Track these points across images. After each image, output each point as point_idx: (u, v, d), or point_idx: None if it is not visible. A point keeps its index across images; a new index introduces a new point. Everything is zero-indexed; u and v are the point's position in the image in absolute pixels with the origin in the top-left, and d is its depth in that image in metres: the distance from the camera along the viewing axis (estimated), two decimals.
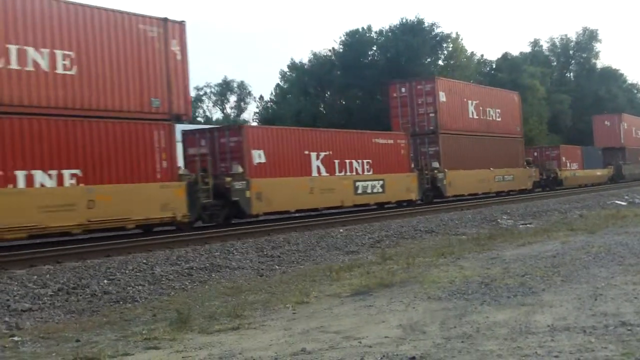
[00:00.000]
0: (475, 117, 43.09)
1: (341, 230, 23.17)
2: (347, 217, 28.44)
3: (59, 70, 19.92)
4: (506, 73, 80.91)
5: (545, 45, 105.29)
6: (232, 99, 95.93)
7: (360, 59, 76.34)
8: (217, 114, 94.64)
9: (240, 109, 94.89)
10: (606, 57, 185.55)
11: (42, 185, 19.20)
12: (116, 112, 21.38)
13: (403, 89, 40.15)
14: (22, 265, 16.38)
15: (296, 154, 28.92)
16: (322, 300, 10.91)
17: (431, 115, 38.84)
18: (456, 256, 15.39)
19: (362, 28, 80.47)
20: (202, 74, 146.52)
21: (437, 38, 79.37)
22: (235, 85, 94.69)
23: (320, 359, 7.15)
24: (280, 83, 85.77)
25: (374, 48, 79.53)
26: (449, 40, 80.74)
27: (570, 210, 30.29)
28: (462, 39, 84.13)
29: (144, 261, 16.58)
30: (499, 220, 26.23)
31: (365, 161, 32.71)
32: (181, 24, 23.73)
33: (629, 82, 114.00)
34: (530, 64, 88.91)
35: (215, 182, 25.03)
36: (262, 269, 15.89)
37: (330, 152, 30.61)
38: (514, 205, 34.06)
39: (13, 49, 18.85)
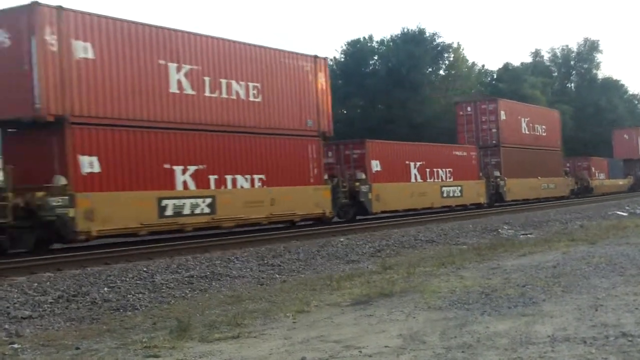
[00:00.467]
0: (527, 132, 50.51)
1: (342, 240, 23.18)
2: (349, 226, 28.52)
3: (251, 98, 26.56)
4: (507, 83, 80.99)
5: (546, 56, 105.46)
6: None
7: (361, 68, 76.47)
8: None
9: None
10: (607, 67, 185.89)
11: (242, 187, 25.93)
12: (284, 130, 28.07)
13: (469, 108, 47.77)
14: (23, 273, 16.38)
15: (401, 163, 36.15)
16: (322, 309, 10.90)
17: (494, 131, 46.39)
18: (457, 266, 15.38)
19: (364, 37, 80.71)
20: None
21: (439, 48, 79.49)
22: None
23: None
24: None
25: (375, 57, 79.67)
26: (450, 50, 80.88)
27: (571, 220, 30.26)
28: (463, 49, 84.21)
29: (145, 269, 16.58)
30: (499, 230, 26.21)
31: (447, 170, 39.91)
32: (325, 59, 31.10)
33: (630, 92, 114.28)
34: (531, 74, 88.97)
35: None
36: (263, 278, 15.88)
37: (424, 162, 37.86)
38: (515, 215, 34.10)
39: (222, 82, 25.41)
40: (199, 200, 24.04)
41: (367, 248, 21.08)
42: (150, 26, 23.40)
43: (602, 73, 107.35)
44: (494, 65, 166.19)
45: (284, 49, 28.71)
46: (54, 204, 19.92)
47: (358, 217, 33.64)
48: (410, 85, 72.93)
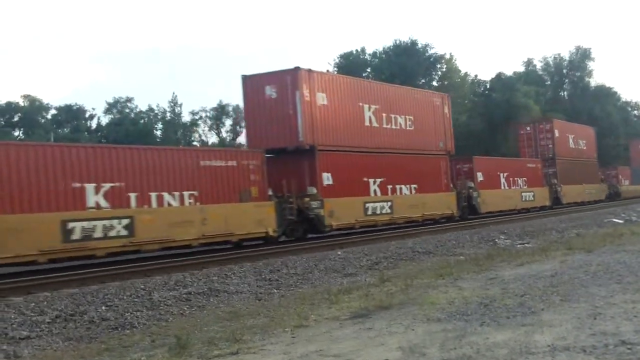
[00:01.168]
0: (573, 146, 61.33)
1: (339, 253, 23.16)
2: (348, 238, 28.54)
3: (408, 127, 36.41)
4: (500, 93, 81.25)
5: (538, 65, 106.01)
6: (228, 122, 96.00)
7: None
8: (212, 138, 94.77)
9: (235, 132, 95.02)
10: (600, 75, 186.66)
11: (405, 194, 35.62)
12: (427, 151, 37.85)
13: (528, 128, 59.39)
14: (20, 293, 16.35)
15: (496, 175, 46.72)
16: (321, 323, 10.87)
17: (550, 146, 56.87)
18: (455, 277, 15.35)
19: (356, 50, 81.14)
20: (197, 98, 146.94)
21: (431, 59, 79.90)
22: (230, 109, 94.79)
23: None
24: None
25: (368, 70, 79.92)
26: (443, 60, 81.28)
27: (567, 229, 30.29)
28: (455, 60, 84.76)
29: (142, 286, 16.55)
30: (496, 240, 26.23)
31: (523, 179, 50.07)
32: (448, 95, 43.58)
33: (623, 100, 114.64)
34: (524, 83, 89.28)
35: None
36: (261, 293, 15.86)
37: (508, 173, 47.70)
38: (511, 225, 34.12)
39: (392, 116, 35.20)
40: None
41: (365, 261, 21.06)
42: (353, 78, 37.43)
43: (594, 81, 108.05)
44: (486, 75, 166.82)
45: (422, 89, 48.37)
46: (315, 206, 29.56)
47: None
48: None
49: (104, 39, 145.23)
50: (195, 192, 24.59)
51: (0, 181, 19.67)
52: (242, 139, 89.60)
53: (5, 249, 19.15)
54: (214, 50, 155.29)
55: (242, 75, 30.62)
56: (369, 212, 32.44)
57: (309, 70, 30.19)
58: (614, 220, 34.25)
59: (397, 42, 79.14)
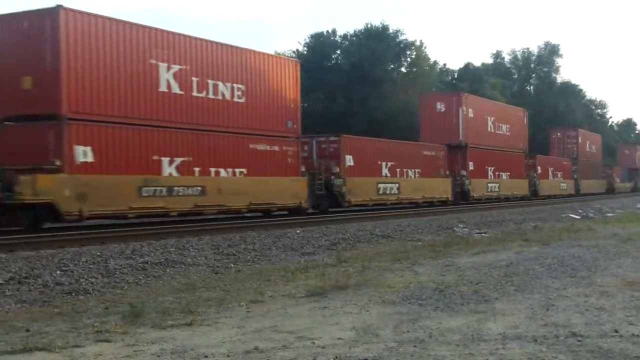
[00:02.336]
0: (588, 150, 78.22)
1: (298, 232, 23.19)
2: (307, 218, 28.56)
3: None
4: (467, 83, 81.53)
5: (507, 57, 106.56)
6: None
7: (323, 62, 76.48)
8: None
9: None
10: (566, 72, 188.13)
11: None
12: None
13: (558, 134, 75.89)
14: None
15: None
16: (276, 299, 10.89)
17: (574, 149, 73.40)
18: (411, 262, 15.45)
19: (327, 31, 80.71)
20: None
21: (401, 45, 79.83)
22: None
23: (273, 358, 7.13)
24: None
25: (338, 52, 79.74)
26: (413, 47, 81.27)
27: (525, 221, 30.56)
28: (425, 47, 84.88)
29: (99, 254, 16.45)
30: (454, 229, 26.40)
31: (560, 173, 65.64)
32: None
33: (588, 97, 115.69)
34: (492, 75, 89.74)
35: None
36: (218, 267, 15.83)
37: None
38: (470, 214, 34.39)
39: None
40: None
41: (323, 241, 21.10)
42: None
43: (561, 77, 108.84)
44: (455, 64, 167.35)
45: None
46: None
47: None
48: (372, 81, 73.12)
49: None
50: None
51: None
52: None
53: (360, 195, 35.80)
54: (182, 19, 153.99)
55: None
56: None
57: (469, 94, 48.63)
58: (572, 215, 34.63)
59: (369, 25, 79.06)
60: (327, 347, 7.52)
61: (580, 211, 38.20)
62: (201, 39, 27.24)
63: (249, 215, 29.21)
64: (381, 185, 37.65)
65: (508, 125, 52.89)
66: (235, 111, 28.37)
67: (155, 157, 24.87)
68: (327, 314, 9.43)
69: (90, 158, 22.39)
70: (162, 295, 11.91)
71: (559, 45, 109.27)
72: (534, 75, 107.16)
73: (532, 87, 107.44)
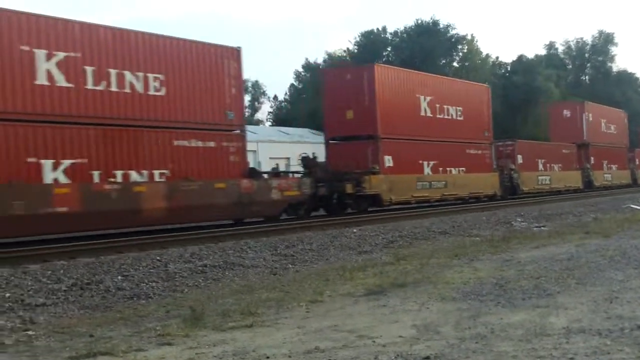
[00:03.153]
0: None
1: (355, 231, 23.14)
2: (364, 217, 28.53)
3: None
4: (521, 75, 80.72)
5: (560, 48, 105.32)
6: (246, 98, 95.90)
7: (375, 59, 76.27)
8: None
9: (254, 108, 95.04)
10: (622, 60, 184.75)
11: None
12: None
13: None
14: (36, 261, 16.44)
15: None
16: (335, 299, 10.89)
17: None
18: (470, 257, 15.34)
19: (377, 29, 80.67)
20: None
21: (452, 40, 79.48)
22: (249, 84, 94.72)
23: (334, 358, 7.13)
24: (294, 83, 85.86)
25: (389, 49, 79.64)
26: (464, 42, 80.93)
27: (585, 213, 30.14)
28: (477, 41, 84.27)
29: (158, 258, 16.60)
30: (512, 223, 26.15)
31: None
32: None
33: None
34: (546, 66, 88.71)
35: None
36: (276, 268, 15.89)
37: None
38: (528, 208, 33.99)
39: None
40: None
41: (380, 239, 21.05)
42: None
43: (616, 66, 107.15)
44: (508, 57, 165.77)
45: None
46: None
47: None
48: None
49: (115, 10, 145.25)
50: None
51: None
52: (260, 114, 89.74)
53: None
54: (232, 23, 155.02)
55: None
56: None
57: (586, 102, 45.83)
58: (632, 206, 34.06)
59: (419, 21, 78.76)
60: (387, 345, 7.49)
61: None
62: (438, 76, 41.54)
63: (309, 216, 29.01)
64: (540, 177, 48.55)
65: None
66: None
67: (420, 162, 35.12)
68: (386, 312, 9.41)
69: (391, 163, 32.75)
70: (222, 297, 11.99)
71: (613, 33, 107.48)
72: (588, 65, 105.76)
73: (587, 77, 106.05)
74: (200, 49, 25.48)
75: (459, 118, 38.26)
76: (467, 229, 23.98)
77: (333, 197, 30.98)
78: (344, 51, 79.77)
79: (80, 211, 20.24)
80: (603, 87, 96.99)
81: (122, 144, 22.16)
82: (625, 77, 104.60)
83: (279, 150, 57.60)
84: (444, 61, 79.24)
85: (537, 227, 24.40)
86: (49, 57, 20.48)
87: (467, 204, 38.17)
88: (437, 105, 36.41)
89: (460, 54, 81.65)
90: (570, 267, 12.75)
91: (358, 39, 79.44)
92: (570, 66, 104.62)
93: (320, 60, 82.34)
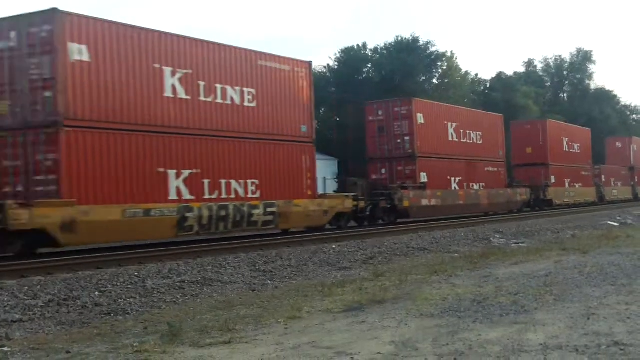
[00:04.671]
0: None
1: (334, 247, 23.13)
2: (343, 232, 28.55)
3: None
4: (500, 93, 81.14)
5: (539, 66, 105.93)
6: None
7: (355, 76, 76.53)
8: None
9: None
10: (600, 78, 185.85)
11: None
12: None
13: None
14: (13, 276, 16.29)
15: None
16: (314, 315, 10.88)
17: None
18: (449, 274, 15.37)
19: (357, 45, 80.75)
20: None
21: (432, 57, 79.63)
22: None
23: None
24: None
25: (369, 65, 79.74)
26: (444, 58, 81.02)
27: (563, 230, 30.28)
28: (456, 58, 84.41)
29: (136, 274, 16.52)
30: (491, 239, 26.23)
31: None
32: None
33: (623, 103, 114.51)
34: (525, 84, 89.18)
35: None
36: (254, 284, 15.85)
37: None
38: (507, 224, 34.10)
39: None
40: None
41: (359, 255, 21.04)
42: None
43: (594, 83, 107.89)
44: (487, 74, 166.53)
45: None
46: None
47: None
48: (404, 93, 72.94)
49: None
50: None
51: None
52: None
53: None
54: (216, 35, 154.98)
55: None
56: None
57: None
58: (610, 222, 34.28)
59: (399, 38, 78.98)
60: None
61: (618, 218, 37.78)
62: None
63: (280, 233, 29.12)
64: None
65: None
66: None
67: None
68: (365, 329, 9.40)
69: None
70: (200, 313, 11.95)
71: (591, 51, 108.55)
72: (567, 82, 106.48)
73: (565, 94, 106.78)
74: (491, 117, 44.73)
75: None
76: (445, 246, 24.02)
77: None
78: (324, 67, 79.86)
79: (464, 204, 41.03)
80: (581, 104, 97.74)
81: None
82: (603, 94, 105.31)
83: None
84: (423, 78, 79.48)
85: (515, 243, 24.49)
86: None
87: (448, 219, 38.42)
88: None
89: (440, 70, 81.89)
90: (548, 284, 12.80)
91: (338, 55, 79.62)
92: (549, 84, 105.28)
93: None
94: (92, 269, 17.85)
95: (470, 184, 42.52)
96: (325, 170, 48.87)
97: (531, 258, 18.11)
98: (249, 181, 25.72)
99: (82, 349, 9.16)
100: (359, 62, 78.36)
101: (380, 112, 38.66)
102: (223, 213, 24.26)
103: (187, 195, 23.17)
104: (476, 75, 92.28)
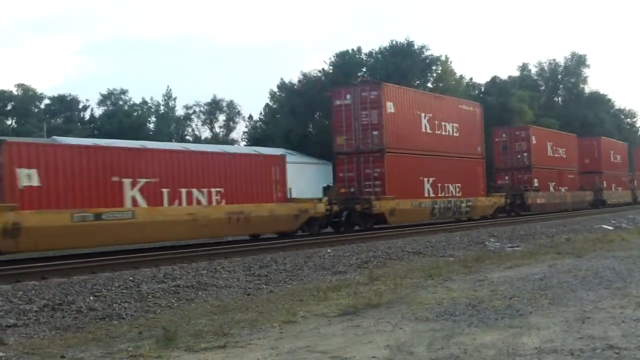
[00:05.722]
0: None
1: (329, 251, 23.11)
2: (338, 237, 28.55)
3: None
4: (495, 96, 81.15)
5: (533, 70, 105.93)
6: (221, 118, 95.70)
7: (350, 80, 76.46)
8: (205, 133, 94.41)
9: (229, 128, 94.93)
10: (594, 82, 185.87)
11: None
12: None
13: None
14: (8, 281, 16.29)
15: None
16: (309, 319, 10.87)
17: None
18: (444, 278, 15.38)
19: (352, 49, 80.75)
20: (191, 92, 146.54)
21: (427, 60, 79.70)
22: (224, 104, 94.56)
23: None
24: (269, 103, 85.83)
25: (364, 69, 79.74)
26: (438, 62, 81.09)
27: (557, 234, 30.30)
28: (451, 62, 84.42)
29: (131, 278, 16.49)
30: (486, 243, 26.22)
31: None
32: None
33: (617, 107, 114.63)
34: (519, 87, 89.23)
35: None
36: (250, 288, 15.83)
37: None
38: (501, 228, 34.11)
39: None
40: None
41: (354, 259, 21.02)
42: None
43: (589, 87, 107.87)
44: (481, 78, 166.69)
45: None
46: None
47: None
48: None
49: (99, 30, 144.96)
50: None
51: None
52: (235, 134, 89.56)
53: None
54: (209, 43, 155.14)
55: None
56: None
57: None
58: (604, 226, 34.31)
59: (394, 42, 79.00)
60: None
61: (613, 221, 37.82)
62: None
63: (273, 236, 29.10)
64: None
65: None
66: None
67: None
68: (360, 333, 9.40)
69: None
70: (195, 318, 11.93)
71: (585, 55, 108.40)
72: (561, 86, 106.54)
73: (560, 98, 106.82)
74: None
75: None
76: (440, 249, 24.02)
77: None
78: (319, 71, 79.88)
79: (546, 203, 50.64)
80: (576, 108, 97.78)
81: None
82: (597, 98, 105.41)
83: None
84: (418, 82, 79.50)
85: (510, 247, 24.50)
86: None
87: (439, 224, 38.20)
88: None
89: (435, 74, 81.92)
90: (543, 287, 12.81)
91: (333, 59, 79.59)
92: (543, 87, 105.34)
93: (295, 80, 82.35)
94: (86, 273, 17.84)
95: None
96: (326, 176, 48.32)
97: (526, 262, 18.13)
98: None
99: (76, 354, 9.15)
100: (353, 66, 78.34)
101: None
102: None
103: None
104: (471, 79, 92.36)
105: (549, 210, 50.45)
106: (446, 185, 38.00)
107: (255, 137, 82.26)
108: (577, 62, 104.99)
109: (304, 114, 78.38)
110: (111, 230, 21.58)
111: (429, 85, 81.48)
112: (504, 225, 36.90)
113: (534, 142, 51.23)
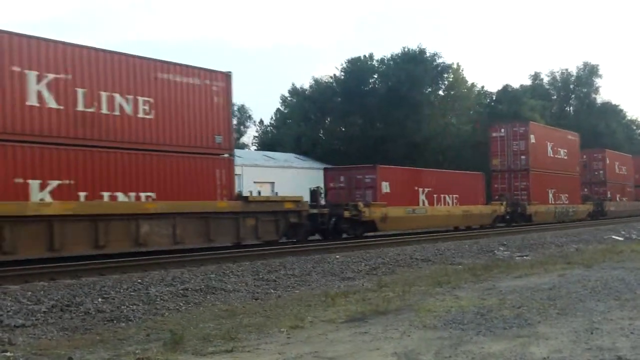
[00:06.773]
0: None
1: (337, 257, 23.09)
2: (346, 243, 28.53)
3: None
4: (506, 105, 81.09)
5: (545, 79, 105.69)
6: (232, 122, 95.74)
7: (361, 86, 76.66)
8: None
9: (239, 132, 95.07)
10: (606, 92, 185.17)
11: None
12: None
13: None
14: (17, 281, 16.33)
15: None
16: (317, 325, 10.86)
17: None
18: (452, 286, 15.34)
19: (364, 56, 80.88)
20: None
21: (439, 68, 79.72)
22: (235, 108, 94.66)
23: None
24: (280, 108, 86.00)
25: (375, 76, 79.86)
26: (450, 70, 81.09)
27: (567, 244, 30.22)
28: (463, 70, 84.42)
29: (139, 281, 16.52)
30: (495, 252, 26.17)
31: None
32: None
33: (629, 117, 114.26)
34: (531, 97, 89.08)
35: None
36: (258, 293, 15.83)
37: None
38: (511, 237, 34.01)
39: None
40: None
41: (363, 266, 21.01)
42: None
43: (601, 97, 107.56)
44: (493, 86, 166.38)
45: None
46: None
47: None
48: (410, 104, 73.07)
49: (109, 32, 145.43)
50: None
51: None
52: (245, 138, 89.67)
53: None
54: (221, 47, 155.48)
55: None
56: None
57: None
58: (614, 237, 34.20)
59: (406, 49, 79.04)
60: None
61: (623, 232, 37.69)
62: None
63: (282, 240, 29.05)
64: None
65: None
66: None
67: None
68: (367, 340, 9.39)
69: None
70: (203, 321, 11.93)
71: (598, 65, 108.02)
72: (573, 96, 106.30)
73: (571, 108, 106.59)
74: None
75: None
76: (449, 257, 23.98)
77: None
78: (331, 77, 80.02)
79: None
80: (587, 118, 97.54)
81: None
82: (609, 108, 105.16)
83: (263, 174, 57.66)
84: (430, 89, 79.54)
85: (519, 256, 24.43)
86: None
87: (449, 232, 38.21)
88: None
89: (446, 82, 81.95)
90: (551, 297, 12.77)
91: (345, 65, 79.72)
92: (555, 97, 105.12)
93: (307, 86, 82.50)
94: (95, 275, 17.88)
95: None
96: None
97: (535, 271, 18.08)
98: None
99: (84, 355, 9.17)
100: (365, 73, 78.48)
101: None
102: None
103: None
104: (482, 87, 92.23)
105: (623, 215, 60.49)
106: (559, 195, 50.43)
107: (266, 141, 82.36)
108: (590, 72, 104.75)
109: (315, 119, 78.52)
110: (418, 219, 35.83)
111: (440, 92, 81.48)
112: (514, 234, 36.79)
113: (608, 162, 62.33)
